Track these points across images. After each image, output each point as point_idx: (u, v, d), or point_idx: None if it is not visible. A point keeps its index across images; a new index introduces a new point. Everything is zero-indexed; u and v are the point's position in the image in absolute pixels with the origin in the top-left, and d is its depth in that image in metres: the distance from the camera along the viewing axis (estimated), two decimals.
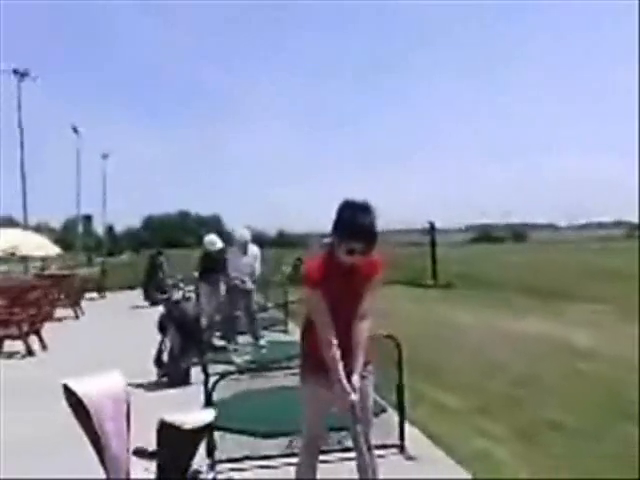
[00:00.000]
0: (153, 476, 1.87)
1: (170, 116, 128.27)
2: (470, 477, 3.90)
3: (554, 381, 6.50)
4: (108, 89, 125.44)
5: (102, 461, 1.79)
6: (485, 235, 75.27)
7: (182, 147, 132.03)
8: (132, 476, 1.82)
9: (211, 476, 1.94)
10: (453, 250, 37.53)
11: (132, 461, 1.88)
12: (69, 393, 1.80)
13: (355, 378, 2.93)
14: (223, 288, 9.25)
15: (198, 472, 1.93)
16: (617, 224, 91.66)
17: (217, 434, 4.17)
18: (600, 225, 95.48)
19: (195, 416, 1.99)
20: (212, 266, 9.31)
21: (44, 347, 9.17)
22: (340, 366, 2.91)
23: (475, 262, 28.11)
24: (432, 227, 22.35)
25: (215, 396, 4.23)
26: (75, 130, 35.91)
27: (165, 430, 1.81)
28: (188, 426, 1.83)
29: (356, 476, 3.18)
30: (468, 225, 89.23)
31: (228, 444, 4.40)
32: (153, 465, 1.86)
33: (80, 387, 1.79)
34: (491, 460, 4.19)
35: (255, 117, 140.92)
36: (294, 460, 3.41)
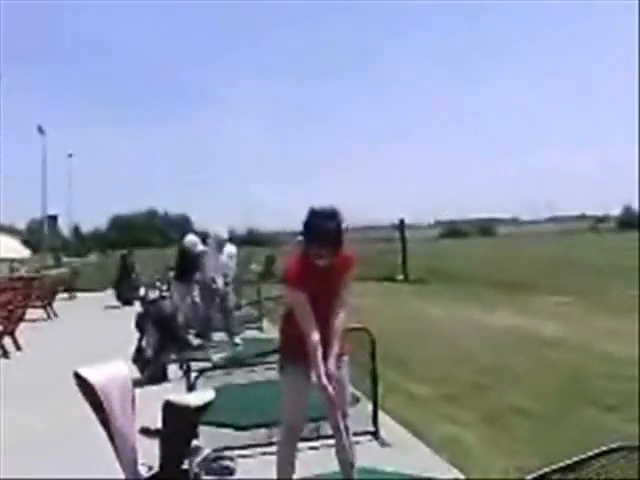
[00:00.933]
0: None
1: (140, 114, 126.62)
2: (442, 460, 4.13)
3: (520, 370, 6.80)
4: (74, 87, 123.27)
5: (111, 439, 1.97)
6: (453, 230, 76.41)
7: (152, 145, 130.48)
8: (139, 452, 2.01)
9: (208, 451, 2.11)
10: (423, 246, 38.07)
11: (138, 438, 2.07)
12: (80, 380, 1.98)
13: (331, 364, 3.12)
14: (196, 288, 9.29)
15: (198, 448, 2.11)
16: (581, 217, 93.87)
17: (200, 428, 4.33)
18: (564, 219, 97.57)
19: (197, 396, 2.19)
20: (188, 266, 9.30)
21: (18, 348, 9.17)
22: (320, 361, 3.11)
23: (444, 257, 28.65)
24: (402, 223, 22.72)
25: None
26: (40, 130, 35.37)
27: (169, 409, 1.99)
28: (190, 405, 2.01)
29: (334, 462, 3.40)
30: (436, 221, 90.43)
31: (207, 437, 4.55)
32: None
33: (90, 374, 1.98)
34: (460, 444, 4.43)
35: (228, 115, 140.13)
36: (272, 449, 3.60)
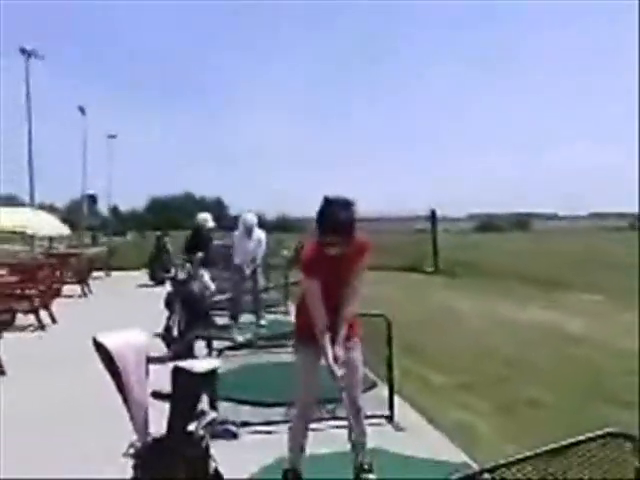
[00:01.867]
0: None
1: (177, 100, 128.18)
2: (453, 445, 4.22)
3: (541, 364, 6.80)
4: (116, 72, 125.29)
5: (126, 401, 2.13)
6: (488, 224, 75.43)
7: (188, 131, 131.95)
8: (150, 414, 2.16)
9: (214, 415, 2.26)
10: (456, 238, 37.81)
11: (150, 402, 2.23)
12: (98, 345, 2.14)
13: (338, 349, 3.27)
14: (205, 272, 8.90)
15: (203, 412, 2.25)
16: (621, 215, 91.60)
17: (219, 404, 4.50)
18: (603, 216, 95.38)
19: (203, 363, 2.35)
20: (199, 242, 9.15)
21: (54, 321, 9.53)
22: (328, 347, 3.25)
23: (476, 250, 28.37)
24: (433, 214, 22.58)
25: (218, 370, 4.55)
26: (82, 110, 36.09)
27: (178, 374, 2.14)
28: (197, 370, 2.16)
29: (346, 443, 3.52)
30: (471, 214, 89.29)
31: (227, 411, 4.72)
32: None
33: (107, 340, 2.14)
34: (471, 431, 4.51)
35: (261, 105, 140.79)
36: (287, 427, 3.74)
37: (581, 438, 2.08)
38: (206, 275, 8.78)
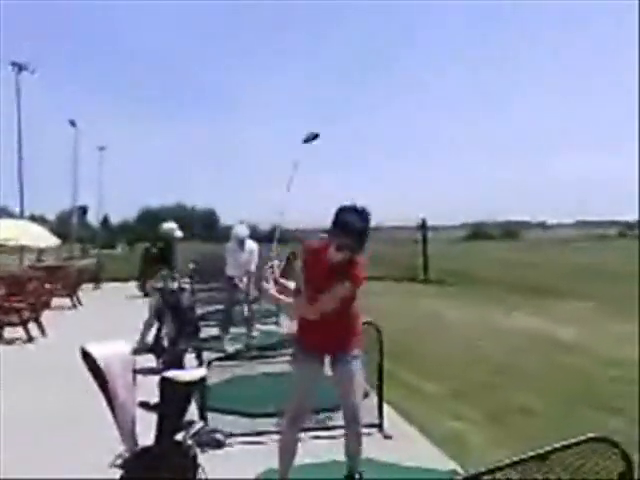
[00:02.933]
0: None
1: (169, 111, 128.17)
2: (442, 453, 4.23)
3: (531, 372, 6.84)
4: (107, 83, 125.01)
5: (113, 411, 2.14)
6: (479, 232, 75.79)
7: (181, 141, 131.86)
8: (137, 424, 2.17)
9: (201, 424, 2.26)
10: (447, 247, 37.93)
11: (138, 412, 2.24)
12: (86, 355, 2.15)
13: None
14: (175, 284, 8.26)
15: (191, 422, 2.26)
16: (611, 223, 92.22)
17: (209, 415, 4.50)
18: (593, 224, 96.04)
19: (190, 373, 2.36)
20: (164, 254, 8.60)
21: (43, 333, 9.48)
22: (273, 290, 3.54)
23: (467, 259, 28.50)
24: (424, 224, 22.67)
25: (208, 381, 4.54)
26: (72, 123, 36.03)
27: (165, 384, 2.15)
28: (184, 380, 2.17)
29: (337, 453, 3.55)
30: (463, 223, 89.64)
31: (217, 423, 4.71)
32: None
33: (95, 350, 2.15)
34: (461, 440, 4.52)
35: (255, 114, 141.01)
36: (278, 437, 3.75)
37: (565, 444, 2.10)
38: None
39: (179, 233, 9.00)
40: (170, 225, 9.02)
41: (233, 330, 9.12)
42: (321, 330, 3.41)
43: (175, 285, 7.95)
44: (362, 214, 3.26)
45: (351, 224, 3.21)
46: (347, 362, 3.48)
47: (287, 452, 3.51)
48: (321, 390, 3.55)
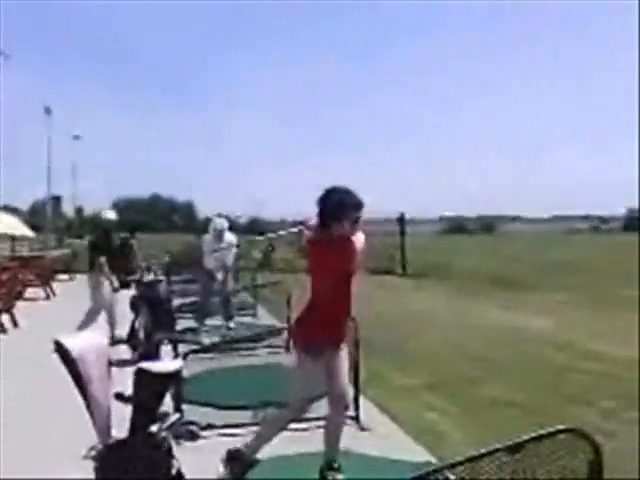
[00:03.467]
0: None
1: (146, 100, 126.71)
2: (417, 444, 4.27)
3: (506, 364, 6.93)
4: (83, 70, 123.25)
5: (87, 404, 2.13)
6: (456, 226, 76.52)
7: (158, 131, 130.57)
8: (112, 416, 2.16)
9: (177, 416, 2.26)
10: (425, 240, 38.17)
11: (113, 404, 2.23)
12: (59, 347, 2.13)
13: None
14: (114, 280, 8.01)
15: (166, 414, 2.25)
16: (585, 218, 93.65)
17: (185, 407, 4.48)
18: (568, 218, 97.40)
19: (165, 364, 2.35)
20: (105, 246, 8.07)
21: (15, 324, 9.35)
22: None
23: (445, 252, 28.71)
24: (402, 217, 22.80)
25: (184, 373, 4.51)
26: (47, 111, 35.45)
27: (140, 375, 2.14)
28: (159, 372, 2.16)
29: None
30: (441, 216, 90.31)
31: (193, 414, 4.69)
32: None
33: (68, 341, 2.12)
34: (436, 431, 4.58)
35: (236, 106, 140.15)
36: (254, 429, 3.77)
37: (537, 435, 2.13)
38: (114, 283, 7.94)
39: (112, 216, 8.41)
40: (109, 212, 8.57)
41: (210, 322, 9.11)
42: (323, 322, 3.43)
43: (150, 276, 7.89)
44: (334, 191, 3.40)
45: (354, 194, 3.39)
46: (339, 349, 3.54)
47: (269, 438, 3.55)
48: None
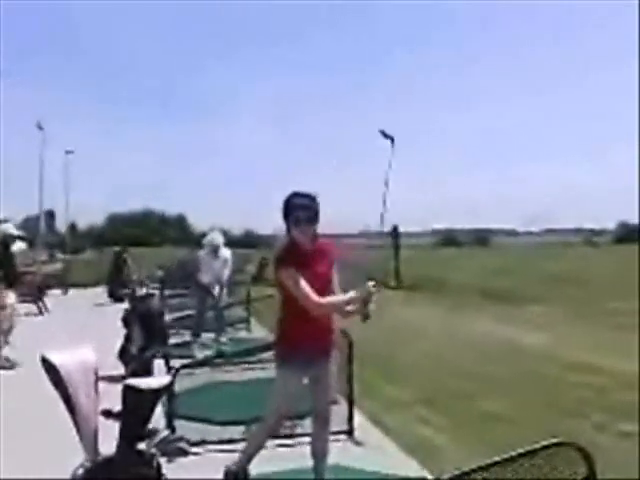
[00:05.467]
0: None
1: (138, 114, 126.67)
2: (411, 459, 4.24)
3: (498, 377, 6.90)
4: (76, 85, 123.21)
5: (74, 420, 2.09)
6: (449, 239, 76.62)
7: (150, 145, 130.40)
8: (100, 434, 2.12)
9: (166, 433, 2.22)
10: (418, 253, 38.17)
11: (100, 421, 2.19)
12: (47, 363, 2.10)
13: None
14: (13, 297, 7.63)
15: (155, 430, 2.22)
16: (577, 230, 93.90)
17: (177, 422, 4.43)
18: (560, 231, 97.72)
19: (154, 380, 2.31)
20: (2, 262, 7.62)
21: (6, 341, 9.23)
22: (339, 300, 3.43)
23: (438, 265, 28.72)
24: (395, 230, 22.81)
25: (176, 388, 4.47)
26: (39, 126, 35.38)
27: (128, 392, 2.11)
28: (148, 388, 2.13)
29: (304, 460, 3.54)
30: (434, 229, 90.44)
31: (185, 430, 4.64)
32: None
33: (55, 358, 2.09)
34: (430, 446, 4.54)
35: (229, 118, 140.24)
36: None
37: (531, 448, 2.12)
38: (13, 299, 7.54)
39: (14, 231, 8.11)
40: (7, 226, 8.21)
41: (203, 336, 9.05)
42: (310, 331, 3.36)
43: (143, 291, 7.85)
44: (308, 194, 3.39)
45: (300, 195, 3.38)
46: (327, 362, 3.48)
47: (255, 451, 3.52)
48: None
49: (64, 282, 18.89)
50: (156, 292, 8.61)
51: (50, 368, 2.07)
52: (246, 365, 6.90)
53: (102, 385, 2.52)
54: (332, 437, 4.08)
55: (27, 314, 12.79)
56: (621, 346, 8.43)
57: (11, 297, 7.75)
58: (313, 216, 3.36)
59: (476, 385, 6.49)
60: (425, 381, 6.67)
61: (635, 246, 35.96)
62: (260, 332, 10.07)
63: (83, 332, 9.18)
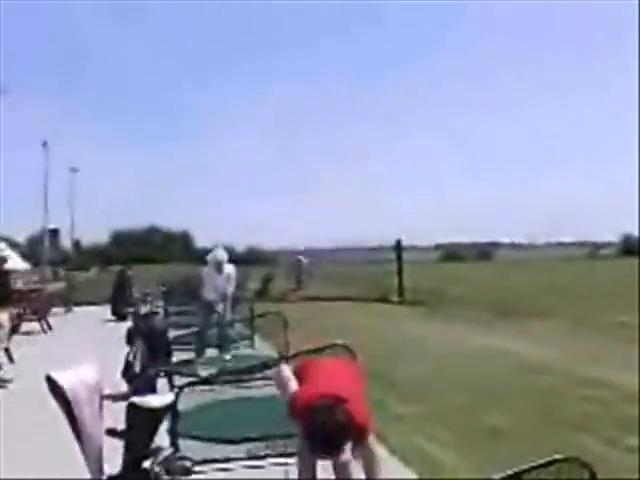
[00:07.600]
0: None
1: (141, 131, 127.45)
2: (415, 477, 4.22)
3: (503, 392, 6.87)
4: (78, 104, 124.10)
5: (79, 439, 2.09)
6: (452, 253, 76.52)
7: (154, 163, 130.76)
8: (105, 452, 2.12)
9: (170, 451, 2.23)
10: (422, 268, 38.12)
11: (105, 439, 2.19)
12: (51, 382, 2.11)
13: None
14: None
15: (159, 448, 2.22)
16: (581, 244, 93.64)
17: (181, 441, 4.41)
18: (564, 245, 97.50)
19: (157, 398, 2.32)
20: None
21: (11, 360, 9.24)
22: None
23: (441, 280, 28.67)
24: (398, 244, 22.82)
25: (180, 406, 4.46)
26: (44, 144, 35.62)
27: (132, 410, 2.12)
28: (151, 406, 2.13)
29: None
30: (437, 244, 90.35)
31: (189, 449, 4.63)
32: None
33: (60, 377, 2.10)
34: (432, 460, 4.52)
35: (230, 134, 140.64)
36: (251, 463, 3.71)
37: (536, 464, 2.11)
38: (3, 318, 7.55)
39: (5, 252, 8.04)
40: None
41: (207, 354, 9.04)
42: None
43: (147, 308, 7.86)
44: (337, 406, 2.97)
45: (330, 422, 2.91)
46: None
47: None
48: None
49: (68, 300, 18.91)
50: (160, 310, 8.59)
51: (54, 387, 2.08)
52: (250, 382, 6.89)
53: (106, 403, 2.53)
54: None
55: (30, 332, 12.82)
56: (632, 360, 8.36)
57: (2, 317, 7.75)
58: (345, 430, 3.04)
59: (479, 399, 6.46)
60: (427, 395, 6.64)
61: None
62: (264, 349, 10.04)
63: (84, 350, 9.19)
